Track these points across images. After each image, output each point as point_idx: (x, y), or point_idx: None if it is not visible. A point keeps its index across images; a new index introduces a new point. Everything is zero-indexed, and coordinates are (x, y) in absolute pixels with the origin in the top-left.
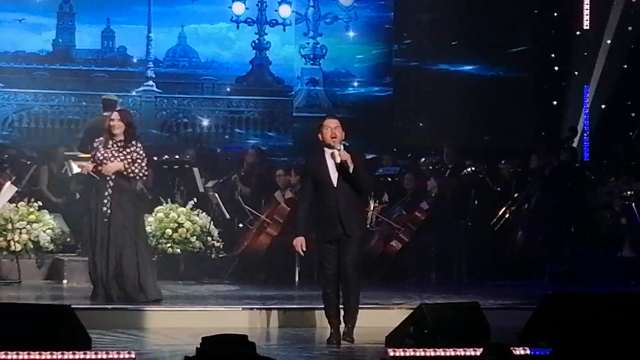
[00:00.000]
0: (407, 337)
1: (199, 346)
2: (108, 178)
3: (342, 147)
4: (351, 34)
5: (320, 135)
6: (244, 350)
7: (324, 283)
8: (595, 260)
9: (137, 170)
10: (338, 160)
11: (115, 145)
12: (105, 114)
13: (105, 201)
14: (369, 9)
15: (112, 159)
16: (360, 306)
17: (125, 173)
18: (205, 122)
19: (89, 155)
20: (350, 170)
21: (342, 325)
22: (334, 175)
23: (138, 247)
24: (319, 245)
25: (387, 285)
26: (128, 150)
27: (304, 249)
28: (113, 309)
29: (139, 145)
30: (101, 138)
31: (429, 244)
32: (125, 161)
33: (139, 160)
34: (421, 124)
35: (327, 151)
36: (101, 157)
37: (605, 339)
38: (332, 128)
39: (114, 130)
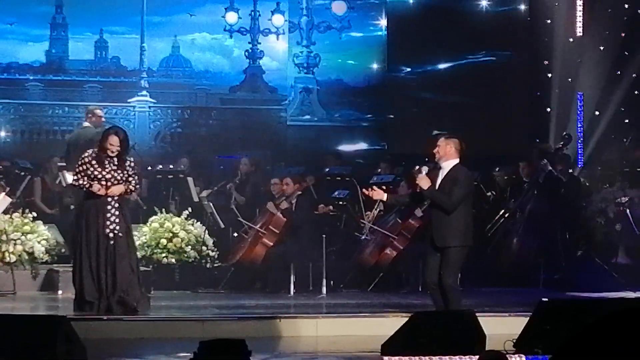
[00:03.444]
0: (402, 345)
1: (196, 351)
2: (110, 199)
3: (423, 171)
4: (345, 42)
5: None
6: (238, 358)
7: (427, 288)
8: (590, 267)
9: (132, 188)
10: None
11: (111, 165)
12: (84, 124)
13: (109, 223)
14: (362, 17)
15: (113, 180)
16: (355, 314)
17: (126, 195)
18: (199, 132)
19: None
20: (424, 192)
21: None
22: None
23: (132, 259)
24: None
25: (382, 293)
26: (122, 167)
27: (374, 189)
28: (108, 319)
29: (131, 159)
30: (91, 151)
31: (423, 251)
32: (124, 182)
33: (133, 175)
34: (414, 132)
35: (441, 167)
36: (99, 176)
37: (600, 346)
38: (435, 147)
39: (109, 152)
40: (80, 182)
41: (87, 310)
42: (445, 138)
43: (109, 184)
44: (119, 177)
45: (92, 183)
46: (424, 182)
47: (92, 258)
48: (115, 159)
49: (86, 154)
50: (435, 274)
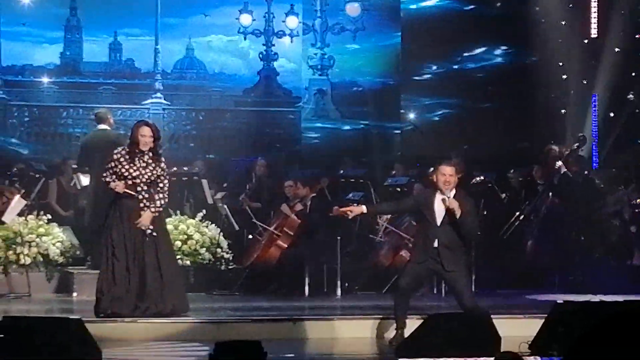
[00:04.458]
0: (417, 348)
1: (212, 353)
2: (139, 200)
3: (451, 195)
4: (359, 44)
5: (434, 177)
6: (255, 358)
7: (397, 290)
8: (606, 269)
9: (160, 202)
10: (448, 206)
11: (141, 162)
12: (100, 126)
13: (133, 226)
14: (376, 19)
15: (141, 177)
16: (369, 316)
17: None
18: (214, 134)
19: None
20: (457, 217)
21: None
22: (438, 215)
23: (163, 264)
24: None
25: None
26: (155, 165)
27: (351, 211)
28: (122, 321)
29: (163, 160)
30: (121, 148)
31: None
32: (151, 182)
33: (163, 179)
34: (430, 133)
35: (439, 194)
36: (126, 174)
37: (615, 348)
38: (446, 175)
39: (142, 145)
40: (107, 179)
41: (106, 313)
42: (454, 167)
43: (137, 181)
44: (146, 177)
45: (114, 180)
46: (457, 207)
47: (116, 261)
48: (146, 156)
49: (116, 151)
50: (418, 286)
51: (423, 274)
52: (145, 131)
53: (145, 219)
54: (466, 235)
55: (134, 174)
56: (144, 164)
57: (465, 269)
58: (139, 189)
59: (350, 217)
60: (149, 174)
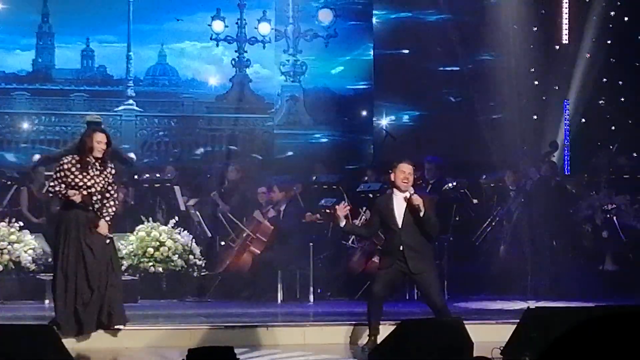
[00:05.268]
0: (389, 354)
1: (184, 359)
2: (91, 209)
3: (413, 191)
4: (331, 50)
5: (392, 176)
6: None
7: (370, 297)
8: (577, 274)
9: (110, 210)
10: (412, 201)
11: (93, 169)
12: None
13: (89, 234)
14: (349, 25)
15: (96, 185)
16: (342, 322)
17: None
18: (186, 141)
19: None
20: (422, 214)
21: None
22: (399, 217)
23: (116, 270)
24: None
25: None
26: (105, 174)
27: (336, 209)
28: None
29: (112, 166)
30: (70, 157)
31: None
32: (105, 190)
33: (113, 185)
34: (401, 140)
35: (397, 193)
36: (80, 184)
37: (587, 354)
38: (406, 173)
39: (96, 152)
40: (57, 189)
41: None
42: (411, 165)
43: (92, 190)
44: (100, 185)
45: (68, 190)
46: (421, 203)
47: (71, 272)
48: (97, 163)
49: (65, 160)
50: (391, 291)
51: (394, 278)
52: (101, 137)
53: (103, 228)
54: (429, 232)
55: (89, 184)
56: (97, 172)
57: (432, 269)
58: (94, 198)
59: (334, 214)
60: (103, 182)
